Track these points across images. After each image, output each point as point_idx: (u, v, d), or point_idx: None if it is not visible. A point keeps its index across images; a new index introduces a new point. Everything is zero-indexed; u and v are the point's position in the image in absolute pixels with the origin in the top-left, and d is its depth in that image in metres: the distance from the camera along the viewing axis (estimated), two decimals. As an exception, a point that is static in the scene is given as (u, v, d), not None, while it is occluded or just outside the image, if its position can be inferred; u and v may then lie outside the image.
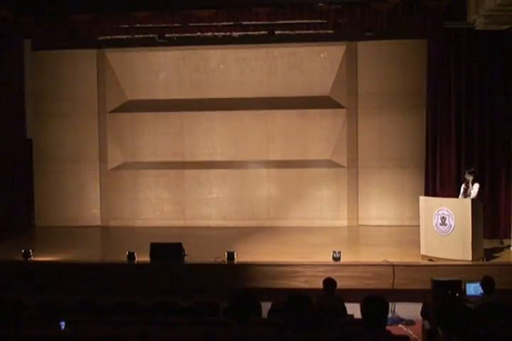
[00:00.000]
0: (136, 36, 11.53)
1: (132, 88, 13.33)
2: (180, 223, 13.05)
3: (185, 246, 9.23)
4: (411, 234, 10.36)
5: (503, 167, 10.81)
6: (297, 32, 11.32)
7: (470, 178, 9.29)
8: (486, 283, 6.87)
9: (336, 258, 8.88)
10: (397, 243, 10.65)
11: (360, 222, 12.78)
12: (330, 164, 12.93)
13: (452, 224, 8.86)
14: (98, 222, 13.34)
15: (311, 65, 12.88)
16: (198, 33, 11.29)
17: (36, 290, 8.18)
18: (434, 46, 11.65)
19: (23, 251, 9.40)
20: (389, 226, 12.36)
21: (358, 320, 5.63)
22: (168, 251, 9.16)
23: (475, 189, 9.24)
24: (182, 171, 13.28)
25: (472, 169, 9.51)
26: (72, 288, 8.55)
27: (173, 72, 13.25)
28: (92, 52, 13.21)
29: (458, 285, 7.39)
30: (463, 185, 9.39)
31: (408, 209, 12.05)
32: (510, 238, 10.26)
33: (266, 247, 10.56)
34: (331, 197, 12.88)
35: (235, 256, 9.04)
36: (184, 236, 10.61)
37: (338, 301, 6.73)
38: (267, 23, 10.92)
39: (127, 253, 9.21)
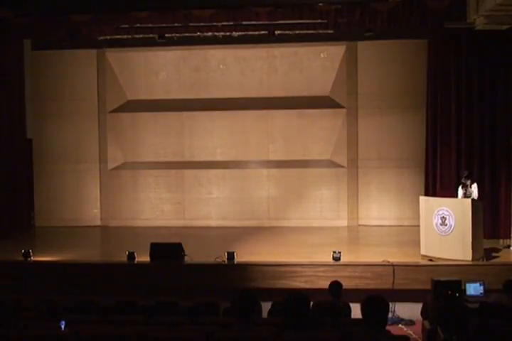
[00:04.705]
0: (136, 36, 11.51)
1: (132, 88, 13.34)
2: (180, 223, 13.05)
3: (185, 246, 9.23)
4: (411, 234, 10.37)
5: (503, 167, 10.81)
6: (297, 32, 11.30)
7: (468, 182, 9.35)
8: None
9: (336, 258, 8.88)
10: (397, 243, 10.65)
11: (360, 222, 12.78)
12: (330, 164, 12.93)
13: (452, 224, 8.87)
14: (98, 222, 13.34)
15: (311, 64, 12.89)
16: (198, 33, 11.27)
17: (36, 290, 8.17)
18: (434, 46, 11.66)
19: (23, 251, 9.40)
20: (389, 226, 12.37)
21: (358, 320, 5.63)
22: (168, 251, 9.16)
23: (475, 191, 9.27)
24: (182, 171, 13.28)
25: (466, 173, 9.57)
26: (72, 288, 8.55)
27: (173, 72, 13.25)
28: (92, 52, 13.21)
29: (458, 285, 7.38)
30: (460, 189, 9.41)
31: (408, 209, 12.04)
32: (510, 238, 10.27)
33: (266, 247, 10.56)
34: (331, 197, 12.88)
35: (235, 256, 9.03)
36: (184, 236, 10.62)
37: (345, 307, 6.69)
38: (267, 23, 10.91)
39: (127, 253, 9.21)
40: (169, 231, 12.23)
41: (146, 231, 12.29)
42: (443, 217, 8.95)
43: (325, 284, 7.08)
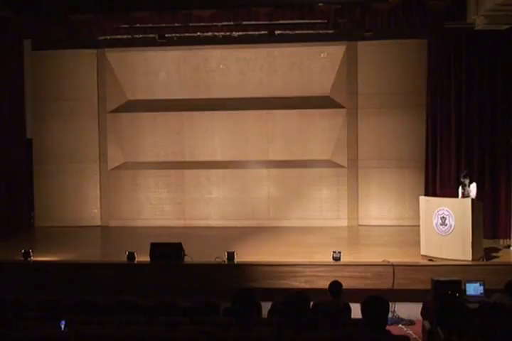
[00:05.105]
0: (136, 36, 11.51)
1: (132, 88, 13.33)
2: (180, 223, 13.05)
3: (185, 246, 9.23)
4: (411, 234, 10.37)
5: (503, 167, 10.81)
6: (297, 32, 11.31)
7: (466, 181, 9.33)
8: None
9: (336, 258, 8.88)
10: (397, 243, 10.64)
11: (360, 222, 12.78)
12: (330, 164, 12.93)
13: (452, 224, 8.87)
14: (98, 222, 13.34)
15: (311, 64, 12.88)
16: (198, 33, 11.28)
17: (36, 290, 8.17)
18: (434, 46, 11.66)
19: (23, 251, 9.39)
20: (389, 226, 12.36)
21: (358, 320, 5.63)
22: (168, 251, 9.16)
23: (473, 190, 9.24)
24: (182, 171, 13.27)
25: (465, 172, 9.55)
26: (72, 288, 8.55)
27: (173, 72, 13.25)
28: (92, 52, 13.20)
29: (458, 285, 7.39)
30: (460, 189, 9.41)
31: (408, 209, 12.05)
32: (510, 238, 10.27)
33: (266, 247, 10.56)
34: (331, 197, 12.88)
35: (235, 256, 9.03)
36: (184, 236, 10.61)
37: (345, 306, 6.68)
38: (267, 23, 10.93)
39: (127, 253, 9.20)
40: (169, 231, 12.23)
41: (146, 231, 12.29)
42: (443, 217, 8.95)
43: (325, 284, 7.08)
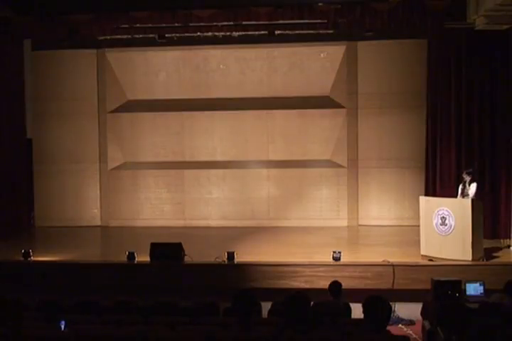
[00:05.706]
0: (136, 36, 11.52)
1: (132, 88, 13.33)
2: (180, 223, 13.05)
3: (185, 246, 9.23)
4: (411, 234, 10.37)
5: (503, 167, 10.81)
6: (297, 32, 11.31)
7: (467, 178, 9.31)
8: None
9: (336, 258, 8.88)
10: (397, 243, 10.65)
11: (360, 222, 12.78)
12: (330, 164, 12.93)
13: (452, 224, 8.87)
14: (98, 222, 13.34)
15: (311, 64, 12.88)
16: (198, 33, 11.28)
17: (36, 290, 8.16)
18: (434, 46, 11.66)
19: (23, 251, 9.40)
20: (389, 226, 12.36)
21: (358, 320, 5.63)
22: (168, 251, 9.16)
23: (472, 189, 9.24)
24: (182, 171, 13.28)
25: (470, 170, 9.54)
26: (72, 288, 8.54)
27: (173, 72, 13.25)
28: (92, 52, 13.21)
29: (458, 285, 7.39)
30: (460, 186, 9.41)
31: (408, 209, 12.05)
32: (510, 238, 10.27)
33: (266, 247, 10.56)
34: (331, 197, 12.88)
35: (235, 256, 9.03)
36: (184, 236, 10.61)
37: (345, 306, 6.68)
38: (267, 23, 10.93)
39: (127, 253, 9.21)
40: (169, 231, 12.23)
41: (146, 231, 12.29)
42: (443, 217, 8.95)
43: (325, 284, 7.09)
